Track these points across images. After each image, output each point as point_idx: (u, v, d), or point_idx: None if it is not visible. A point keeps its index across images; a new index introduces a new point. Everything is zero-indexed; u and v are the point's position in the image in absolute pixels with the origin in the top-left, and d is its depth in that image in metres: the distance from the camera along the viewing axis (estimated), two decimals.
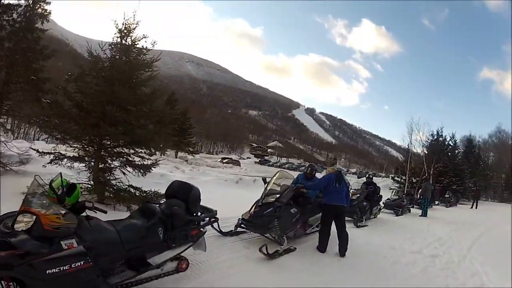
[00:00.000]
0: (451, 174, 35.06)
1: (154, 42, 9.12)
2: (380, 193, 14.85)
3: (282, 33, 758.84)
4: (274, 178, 8.13)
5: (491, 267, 7.82)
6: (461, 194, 34.32)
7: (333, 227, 7.55)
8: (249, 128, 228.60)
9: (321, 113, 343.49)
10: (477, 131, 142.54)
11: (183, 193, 5.31)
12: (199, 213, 5.50)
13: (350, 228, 10.25)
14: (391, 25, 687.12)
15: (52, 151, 8.69)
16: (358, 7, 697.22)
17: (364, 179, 15.37)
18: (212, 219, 5.67)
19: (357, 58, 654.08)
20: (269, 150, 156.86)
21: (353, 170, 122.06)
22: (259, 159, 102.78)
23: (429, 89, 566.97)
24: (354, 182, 13.95)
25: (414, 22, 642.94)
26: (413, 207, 20.14)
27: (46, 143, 21.68)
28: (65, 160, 8.64)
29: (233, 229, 7.75)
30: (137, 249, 4.32)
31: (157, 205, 5.12)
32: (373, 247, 8.65)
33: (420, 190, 20.93)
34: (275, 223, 6.89)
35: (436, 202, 26.79)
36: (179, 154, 50.13)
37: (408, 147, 36.77)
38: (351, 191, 11.98)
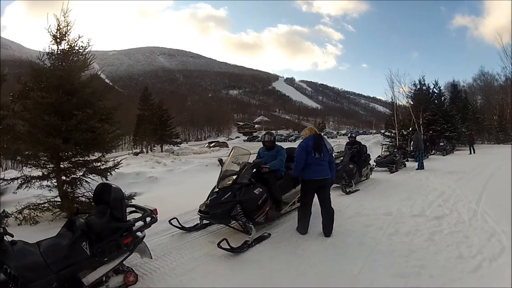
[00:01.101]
0: (441, 121, 34.46)
1: (89, 41, 8.96)
2: (368, 152, 13.64)
3: (246, 9, 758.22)
4: (230, 157, 6.92)
5: (508, 223, 6.54)
6: (456, 140, 33.97)
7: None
8: (232, 108, 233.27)
9: (301, 81, 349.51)
10: (460, 77, 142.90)
11: (106, 197, 4.59)
12: (141, 214, 4.89)
13: (338, 196, 9.83)
14: None
15: (18, 176, 8.51)
16: None
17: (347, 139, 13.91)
18: (148, 221, 4.82)
19: (326, 22, 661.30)
20: (256, 126, 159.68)
21: (343, 132, 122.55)
22: (248, 137, 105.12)
23: (403, 43, 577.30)
24: (336, 145, 12.45)
25: None
26: (407, 160, 19.31)
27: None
28: (34, 181, 8.43)
29: (199, 223, 6.97)
30: (66, 269, 3.86)
31: (84, 216, 4.55)
32: (365, 217, 7.47)
33: (412, 142, 19.77)
34: (238, 210, 5.99)
35: (432, 152, 26.51)
36: (166, 147, 50.85)
37: (392, 100, 36.43)
38: (333, 154, 10.98)
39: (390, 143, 27.98)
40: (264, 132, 8.42)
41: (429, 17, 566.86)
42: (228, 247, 5.39)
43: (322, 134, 6.86)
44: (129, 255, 4.52)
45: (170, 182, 14.27)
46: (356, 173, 11.58)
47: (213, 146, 57.86)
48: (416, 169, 16.21)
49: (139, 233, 4.66)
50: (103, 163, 9.02)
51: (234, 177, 6.31)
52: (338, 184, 10.64)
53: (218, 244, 5.41)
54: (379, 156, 16.92)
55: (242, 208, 6.01)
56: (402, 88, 36.48)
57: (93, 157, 8.94)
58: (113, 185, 4.71)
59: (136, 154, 45.73)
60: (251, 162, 6.84)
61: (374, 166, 15.51)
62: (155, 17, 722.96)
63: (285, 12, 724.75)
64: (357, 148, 12.65)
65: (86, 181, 8.75)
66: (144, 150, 54.21)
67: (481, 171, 15.29)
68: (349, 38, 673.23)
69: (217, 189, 6.38)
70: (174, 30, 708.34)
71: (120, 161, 9.59)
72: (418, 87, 38.65)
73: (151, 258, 4.94)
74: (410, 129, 24.19)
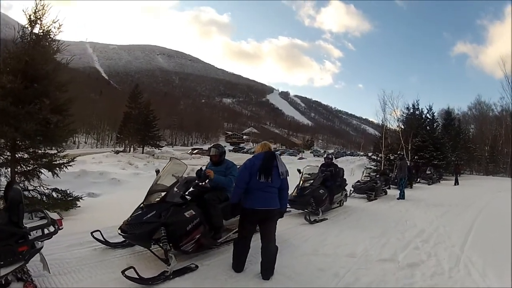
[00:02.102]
0: (431, 148, 34.06)
1: (59, 27, 9.07)
2: (352, 174, 12.68)
3: (249, 17, 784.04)
4: (165, 169, 6.07)
5: (498, 278, 5.52)
6: (443, 169, 33.74)
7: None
8: (223, 116, 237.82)
9: (296, 96, 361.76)
10: (455, 105, 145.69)
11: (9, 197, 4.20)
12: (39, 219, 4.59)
13: (300, 225, 8.87)
14: (361, 3, 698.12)
15: None
16: None
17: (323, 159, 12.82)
18: (48, 232, 4.38)
19: (327, 38, 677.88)
20: (244, 137, 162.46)
21: (331, 151, 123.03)
22: (234, 147, 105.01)
23: (402, 66, 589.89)
24: (307, 166, 11.35)
25: (385, 2, 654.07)
26: (389, 188, 18.37)
27: None
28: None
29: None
30: None
31: None
32: (322, 258, 6.25)
33: (396, 169, 18.93)
34: (161, 233, 5.11)
35: (417, 180, 25.61)
36: (148, 148, 51.56)
37: (383, 122, 36.28)
38: (302, 177, 10.46)
39: (375, 167, 27.40)
40: (212, 145, 7.60)
41: (431, 42, 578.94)
42: (137, 277, 4.54)
43: (276, 153, 5.60)
44: (23, 265, 4.12)
45: (132, 187, 13.65)
46: (327, 199, 10.48)
47: (196, 153, 57.01)
48: (397, 199, 15.18)
49: (38, 243, 4.25)
50: (57, 158, 9.14)
51: (164, 193, 5.45)
52: (304, 211, 9.66)
53: (123, 272, 4.50)
54: (358, 181, 15.75)
55: (167, 232, 5.14)
56: (394, 111, 36.43)
57: (52, 151, 9.17)
58: (14, 186, 4.34)
59: (117, 152, 45.81)
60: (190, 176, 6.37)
61: (351, 192, 14.67)
62: (158, 16, 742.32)
63: (287, 24, 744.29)
64: (331, 171, 11.53)
65: (37, 176, 8.94)
66: (127, 149, 53.97)
67: (470, 205, 14.36)
68: (348, 56, 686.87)
69: (142, 205, 5.52)
70: (176, 31, 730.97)
71: (74, 158, 9.63)
72: (411, 111, 38.49)
73: (49, 273, 4.51)
74: (398, 153, 23.13)
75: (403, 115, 38.08)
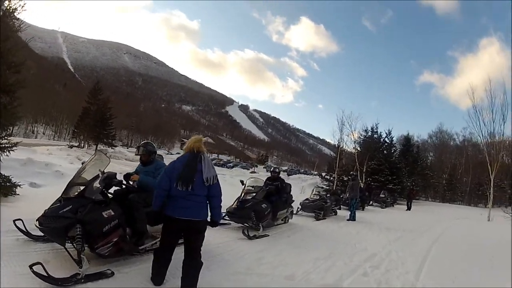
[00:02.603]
0: (387, 172, 34.42)
1: (23, 6, 8.97)
2: (302, 192, 11.95)
3: (219, 26, 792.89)
4: (90, 162, 5.72)
5: None
6: (398, 194, 33.88)
7: None
8: (181, 123, 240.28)
9: (255, 110, 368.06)
10: (415, 132, 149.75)
11: None
12: None
13: (238, 239, 8.06)
14: (331, 24, 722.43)
15: None
16: (298, 5, 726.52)
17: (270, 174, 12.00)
18: None
19: (293, 56, 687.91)
20: None
21: (285, 168, 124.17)
22: None
23: (365, 90, 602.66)
24: (251, 178, 10.89)
25: (354, 22, 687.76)
26: (340, 208, 17.98)
27: None
28: None
29: None
30: None
31: None
32: (256, 278, 5.50)
33: (348, 189, 18.05)
34: (77, 231, 4.60)
35: (370, 202, 25.28)
36: (102, 147, 49.99)
37: (339, 142, 36.16)
38: (245, 189, 9.87)
39: (327, 187, 27.50)
40: (141, 143, 6.81)
41: (396, 69, 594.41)
42: (45, 275, 4.12)
43: (203, 154, 4.67)
44: None
45: None
46: (269, 214, 9.78)
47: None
48: (347, 220, 14.57)
49: None
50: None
51: (83, 188, 5.02)
52: (244, 225, 9.01)
53: (31, 267, 4.11)
54: (306, 199, 15.13)
55: (83, 230, 4.63)
56: (352, 133, 36.15)
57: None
58: None
59: (71, 147, 46.00)
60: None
61: (299, 210, 14.06)
62: (130, 14, 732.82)
63: (255, 37, 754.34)
64: (277, 186, 10.82)
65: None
66: (81, 144, 53.40)
67: (427, 231, 14.01)
68: (312, 76, 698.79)
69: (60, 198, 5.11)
70: (145, 32, 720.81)
71: (17, 144, 9.36)
72: (370, 133, 38.65)
73: None
74: (350, 173, 22.61)
75: (360, 137, 38.22)
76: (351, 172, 22.72)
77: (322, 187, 22.16)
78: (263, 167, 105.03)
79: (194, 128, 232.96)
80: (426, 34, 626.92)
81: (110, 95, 56.47)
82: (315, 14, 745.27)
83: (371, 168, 33.96)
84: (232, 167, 73.72)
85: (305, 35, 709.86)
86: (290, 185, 11.84)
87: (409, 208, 26.50)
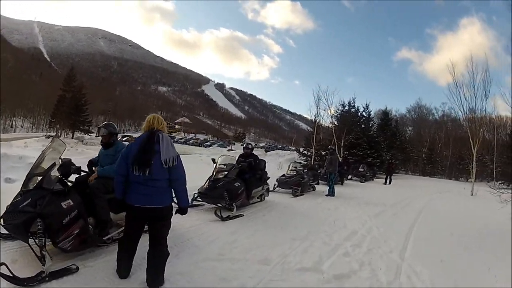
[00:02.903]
0: (365, 146, 34.25)
1: None
2: (279, 168, 11.59)
3: (194, 6, 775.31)
4: (47, 150, 5.31)
5: None
6: (378, 167, 33.87)
7: None
8: (158, 104, 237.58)
9: (231, 88, 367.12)
10: (393, 107, 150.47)
11: None
12: None
13: (210, 221, 7.65)
14: (307, 2, 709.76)
15: None
16: None
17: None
18: None
19: (269, 33, 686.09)
20: (176, 126, 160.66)
21: (262, 144, 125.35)
22: None
23: (341, 66, 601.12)
24: (223, 155, 10.32)
25: (333, 2, 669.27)
26: (318, 183, 17.53)
27: None
28: None
29: None
30: None
31: None
32: (228, 264, 5.16)
33: (326, 164, 17.65)
34: (38, 225, 4.28)
35: (349, 177, 25.00)
36: (78, 134, 51.59)
37: (316, 117, 35.90)
38: (217, 167, 9.41)
39: (305, 162, 27.10)
40: (101, 124, 6.40)
41: (374, 45, 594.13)
42: (10, 275, 3.98)
43: (161, 133, 4.18)
44: None
45: None
46: (243, 193, 9.40)
47: (125, 141, 55.29)
48: (326, 195, 14.25)
49: None
50: None
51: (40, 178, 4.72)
52: (217, 205, 8.56)
53: None
54: (283, 175, 14.77)
55: (44, 225, 4.32)
56: (329, 107, 35.98)
57: None
58: None
59: (49, 137, 43.41)
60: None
61: (276, 186, 13.84)
62: None
63: (231, 16, 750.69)
64: (250, 163, 10.40)
65: None
66: (59, 134, 52.38)
67: (407, 205, 13.79)
68: (287, 53, 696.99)
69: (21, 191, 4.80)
70: (120, 15, 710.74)
71: None
72: (347, 108, 38.54)
73: None
74: (328, 147, 22.23)
75: (337, 112, 38.17)
76: (329, 146, 22.18)
77: (300, 162, 21.58)
78: (241, 144, 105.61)
79: (170, 109, 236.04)
80: (405, 12, 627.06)
81: (85, 81, 56.01)
82: None
83: (349, 142, 33.80)
84: (210, 145, 73.70)
85: (281, 12, 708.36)
86: (264, 161, 11.49)
87: (389, 182, 26.35)
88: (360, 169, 26.89)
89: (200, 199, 8.80)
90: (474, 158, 25.23)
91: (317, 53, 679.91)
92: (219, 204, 8.58)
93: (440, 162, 54.63)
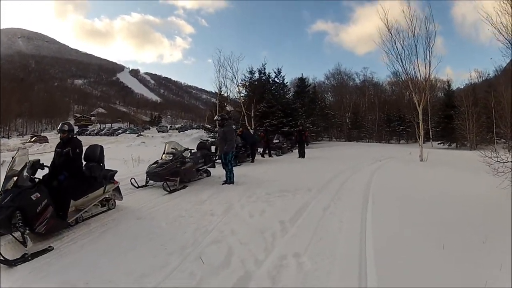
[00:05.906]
0: (280, 114, 31.87)
1: None
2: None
3: None
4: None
5: None
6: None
7: None
8: (74, 98, 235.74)
9: (146, 73, 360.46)
10: (310, 75, 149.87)
11: None
12: None
13: None
14: None
15: None
16: None
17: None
18: None
19: (180, 14, 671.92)
20: (92, 118, 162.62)
21: (178, 125, 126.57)
22: (78, 130, 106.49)
23: (254, 41, 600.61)
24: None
25: None
26: (214, 167, 12.36)
27: None
28: None
29: None
30: None
31: None
32: None
33: (218, 139, 12.40)
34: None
35: (259, 150, 19.68)
36: None
37: (219, 88, 32.37)
38: None
39: (212, 139, 24.32)
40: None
41: (288, 19, 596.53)
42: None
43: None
44: None
45: None
46: (48, 210, 5.64)
47: (34, 141, 51.49)
48: (223, 183, 10.16)
49: None
50: None
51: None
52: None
53: None
54: (155, 162, 10.13)
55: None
56: (234, 76, 31.88)
57: None
58: None
59: None
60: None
61: (148, 181, 9.71)
62: None
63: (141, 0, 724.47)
64: (68, 154, 6.56)
65: None
66: None
67: (343, 184, 9.82)
68: (200, 33, 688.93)
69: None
70: (35, 10, 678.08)
71: None
72: (257, 76, 35.60)
73: None
74: (215, 118, 15.57)
75: (245, 80, 34.97)
76: (220, 114, 14.91)
77: (207, 140, 17.93)
78: (156, 128, 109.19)
79: (87, 102, 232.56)
80: None
81: (7, 85, 53.21)
82: None
83: (260, 112, 30.67)
84: (121, 133, 71.32)
85: None
86: (101, 147, 7.39)
87: (303, 155, 20.20)
88: (275, 140, 22.59)
89: None
90: (421, 117, 20.93)
91: (230, 31, 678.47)
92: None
93: (366, 125, 54.67)
